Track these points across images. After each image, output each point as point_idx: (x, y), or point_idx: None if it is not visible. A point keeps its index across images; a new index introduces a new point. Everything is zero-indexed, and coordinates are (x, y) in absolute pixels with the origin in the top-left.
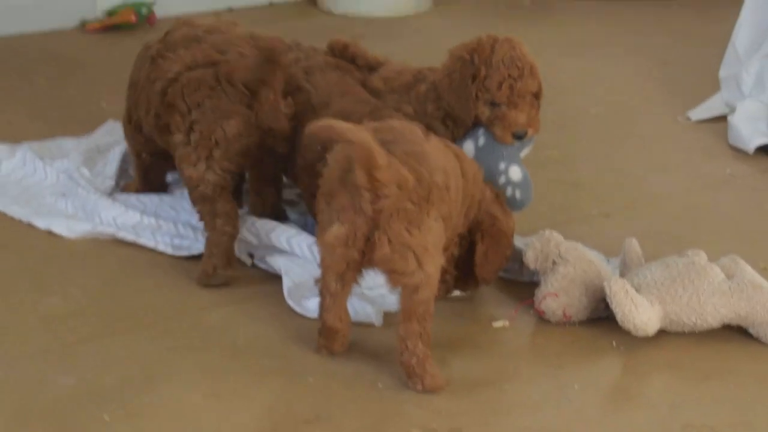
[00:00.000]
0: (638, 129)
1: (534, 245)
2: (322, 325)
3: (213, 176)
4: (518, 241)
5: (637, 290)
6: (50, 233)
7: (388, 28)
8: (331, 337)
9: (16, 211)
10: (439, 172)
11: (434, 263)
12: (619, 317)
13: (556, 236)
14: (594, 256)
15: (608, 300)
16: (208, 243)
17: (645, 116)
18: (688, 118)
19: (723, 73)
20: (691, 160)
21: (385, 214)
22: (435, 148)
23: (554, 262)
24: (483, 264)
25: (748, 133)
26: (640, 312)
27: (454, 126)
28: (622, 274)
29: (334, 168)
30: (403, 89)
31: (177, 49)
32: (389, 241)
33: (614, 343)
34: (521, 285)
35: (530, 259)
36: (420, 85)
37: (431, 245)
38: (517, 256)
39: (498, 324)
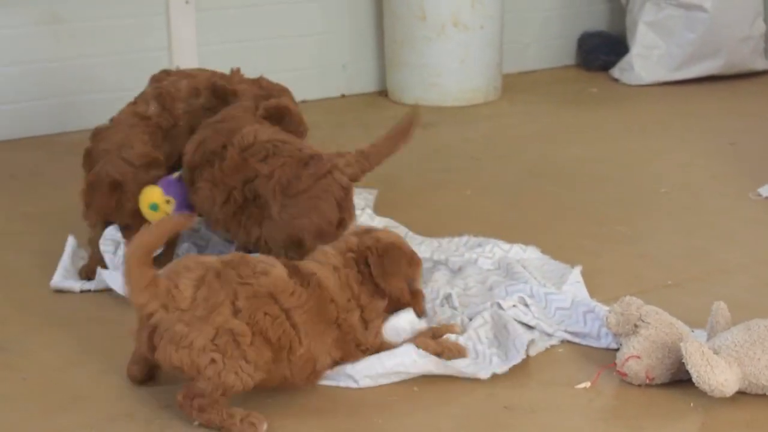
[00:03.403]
0: (708, 205)
1: (615, 309)
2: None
3: None
4: (599, 308)
5: (717, 352)
6: None
7: (458, 115)
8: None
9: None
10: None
11: (212, 366)
12: (694, 378)
13: (637, 301)
14: (675, 320)
15: (684, 361)
16: None
17: (714, 193)
18: (759, 195)
19: None
20: (763, 234)
21: (157, 335)
22: None
23: (636, 326)
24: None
25: None
26: (716, 373)
27: None
28: (710, 338)
29: None
30: None
31: None
32: (164, 360)
33: (692, 404)
34: (600, 351)
35: (612, 323)
36: None
37: (200, 353)
38: (596, 321)
39: (580, 386)
